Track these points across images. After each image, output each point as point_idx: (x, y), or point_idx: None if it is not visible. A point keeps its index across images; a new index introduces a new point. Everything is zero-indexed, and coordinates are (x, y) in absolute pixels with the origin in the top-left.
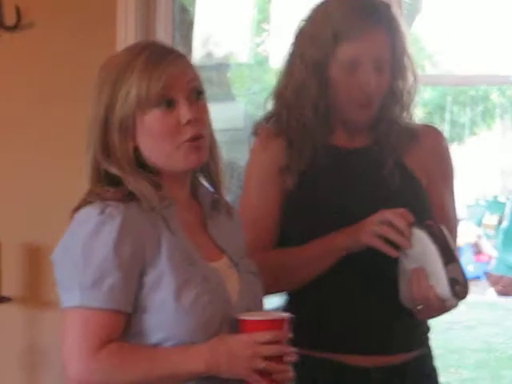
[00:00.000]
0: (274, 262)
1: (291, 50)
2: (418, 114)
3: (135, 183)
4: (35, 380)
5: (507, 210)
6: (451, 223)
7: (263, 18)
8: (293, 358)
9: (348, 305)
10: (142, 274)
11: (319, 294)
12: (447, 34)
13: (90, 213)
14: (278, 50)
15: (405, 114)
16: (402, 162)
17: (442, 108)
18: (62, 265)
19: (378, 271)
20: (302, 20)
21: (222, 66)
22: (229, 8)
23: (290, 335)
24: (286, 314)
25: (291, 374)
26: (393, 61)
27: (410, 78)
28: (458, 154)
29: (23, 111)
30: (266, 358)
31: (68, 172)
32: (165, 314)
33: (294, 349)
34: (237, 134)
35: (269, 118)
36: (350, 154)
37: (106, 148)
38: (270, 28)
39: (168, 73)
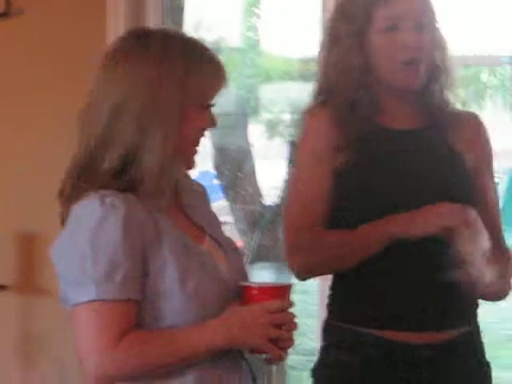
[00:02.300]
0: (323, 246)
1: (328, 30)
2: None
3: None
4: (31, 367)
5: (499, 190)
6: (495, 209)
7: (254, 1)
8: (296, 326)
9: (403, 282)
10: (146, 262)
11: (373, 272)
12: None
13: (91, 205)
14: (269, 33)
15: (448, 91)
16: (451, 145)
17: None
18: (67, 260)
19: (433, 249)
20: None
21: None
22: None
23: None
24: (288, 282)
25: (293, 341)
26: (431, 25)
27: (447, 47)
28: None
29: (14, 98)
30: (276, 326)
31: (61, 159)
32: (171, 301)
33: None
34: (228, 118)
35: (317, 97)
36: (399, 136)
37: (108, 135)
38: (261, 12)
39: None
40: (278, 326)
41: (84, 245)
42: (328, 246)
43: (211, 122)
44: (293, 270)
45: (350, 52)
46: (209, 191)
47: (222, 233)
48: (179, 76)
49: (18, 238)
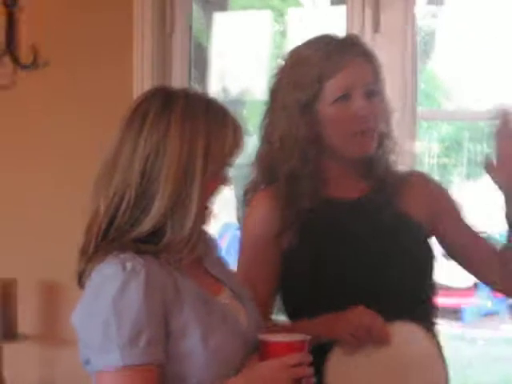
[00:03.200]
0: None
1: (270, 104)
2: (434, 150)
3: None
4: None
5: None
6: (481, 240)
7: (279, 53)
8: (314, 379)
9: None
10: (167, 323)
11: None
12: (463, 69)
13: (112, 270)
14: None
15: (393, 156)
16: (400, 209)
17: (459, 144)
18: (90, 327)
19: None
20: (276, 73)
21: (237, 103)
22: (244, 43)
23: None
24: (306, 336)
25: None
26: (380, 93)
27: (391, 113)
28: (475, 191)
29: (42, 148)
30: (296, 381)
31: (85, 210)
32: (194, 360)
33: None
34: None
35: (255, 182)
36: (344, 205)
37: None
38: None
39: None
40: (298, 381)
41: (107, 311)
42: None
43: (226, 182)
44: None
45: (297, 124)
46: (231, 242)
47: (237, 283)
48: (201, 142)
49: (40, 287)
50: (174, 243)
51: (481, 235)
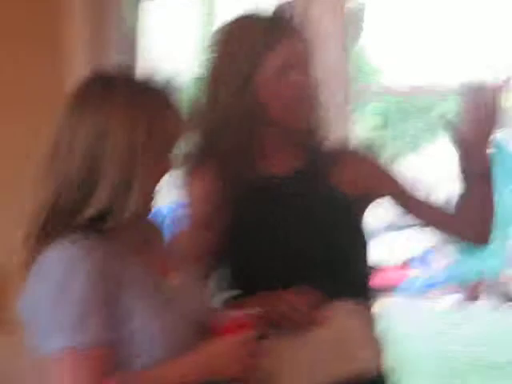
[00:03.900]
0: None
1: (208, 78)
2: (366, 127)
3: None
4: None
5: None
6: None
7: (207, 34)
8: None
9: None
10: (116, 305)
11: None
12: (391, 46)
13: (58, 254)
14: None
15: (323, 131)
16: (332, 185)
17: (386, 121)
18: (36, 310)
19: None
20: (211, 47)
21: (170, 86)
22: (173, 26)
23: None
24: (257, 309)
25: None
26: (313, 67)
27: (319, 89)
28: (409, 165)
29: None
30: (251, 355)
31: (23, 199)
32: (143, 342)
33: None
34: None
35: (197, 154)
36: (279, 182)
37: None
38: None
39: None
40: (253, 355)
41: (53, 294)
42: None
43: (170, 165)
44: None
45: (236, 97)
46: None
47: (184, 262)
48: (143, 126)
49: None
50: (120, 226)
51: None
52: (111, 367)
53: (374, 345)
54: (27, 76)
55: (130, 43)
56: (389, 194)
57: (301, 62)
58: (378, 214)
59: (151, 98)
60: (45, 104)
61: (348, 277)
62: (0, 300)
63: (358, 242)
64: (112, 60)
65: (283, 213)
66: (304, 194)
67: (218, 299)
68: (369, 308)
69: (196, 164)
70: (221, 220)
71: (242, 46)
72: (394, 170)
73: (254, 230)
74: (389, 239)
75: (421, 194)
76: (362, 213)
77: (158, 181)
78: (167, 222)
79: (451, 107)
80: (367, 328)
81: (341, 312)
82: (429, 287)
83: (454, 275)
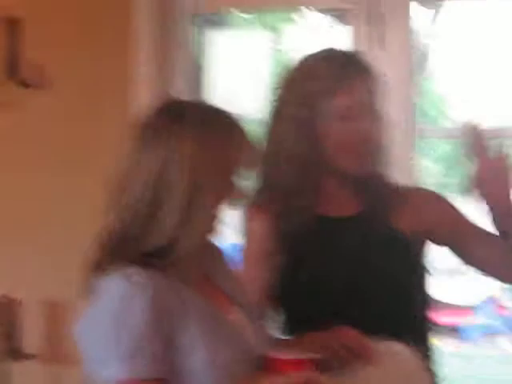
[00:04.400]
0: None
1: (272, 115)
2: (432, 168)
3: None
4: None
5: None
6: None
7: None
8: None
9: None
10: (173, 340)
11: None
12: (463, 86)
13: (117, 283)
14: None
15: (388, 172)
16: (392, 226)
17: (456, 162)
18: (92, 339)
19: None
20: (281, 83)
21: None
22: (243, 62)
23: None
24: (315, 354)
25: None
26: (380, 111)
27: (386, 129)
28: (475, 209)
29: (48, 168)
30: None
31: (88, 231)
32: (201, 377)
33: None
34: None
35: (257, 193)
36: (337, 224)
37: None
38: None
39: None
40: None
41: (110, 324)
42: None
43: (236, 194)
44: None
45: (298, 137)
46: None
47: (246, 299)
48: (211, 155)
49: (45, 306)
50: (183, 257)
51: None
52: None
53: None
54: (96, 107)
55: (197, 74)
56: (450, 232)
57: (364, 107)
58: (445, 255)
59: (221, 126)
60: (112, 136)
61: (406, 317)
62: (57, 333)
63: (416, 282)
64: (179, 90)
65: (341, 254)
66: (363, 236)
67: (272, 340)
68: (425, 349)
69: (256, 202)
70: (276, 260)
71: (307, 89)
72: (458, 208)
73: (312, 271)
74: (454, 281)
75: (482, 231)
76: (423, 252)
77: (220, 208)
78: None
79: None
80: (421, 368)
81: (395, 351)
82: (489, 332)
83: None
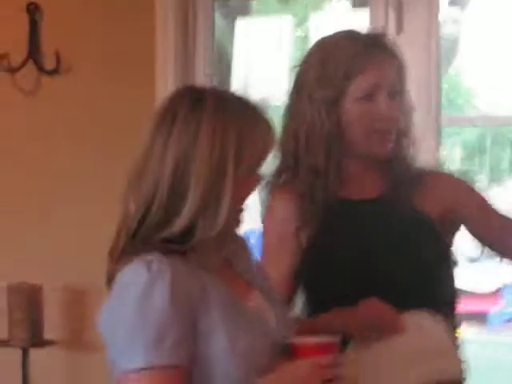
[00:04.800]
0: None
1: (295, 96)
2: (456, 155)
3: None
4: None
5: None
6: (496, 212)
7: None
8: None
9: None
10: (194, 326)
11: None
12: (487, 73)
13: (138, 271)
14: None
15: (412, 155)
16: (415, 207)
17: (481, 150)
18: (115, 328)
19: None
20: (303, 63)
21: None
22: (266, 49)
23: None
24: (335, 337)
25: None
26: (403, 93)
27: (411, 112)
28: (498, 197)
29: (61, 155)
30: (327, 381)
31: (108, 216)
32: (222, 362)
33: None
34: None
35: (279, 173)
36: (361, 206)
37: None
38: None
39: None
40: (328, 381)
41: (132, 312)
42: None
43: (258, 181)
44: None
45: (322, 119)
46: (254, 247)
47: (268, 284)
48: (232, 142)
49: (67, 292)
50: (204, 243)
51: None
52: None
53: (456, 356)
54: (121, 94)
55: (222, 61)
56: (472, 214)
57: (390, 88)
58: (463, 244)
59: (242, 111)
60: (138, 123)
61: (433, 298)
62: (78, 319)
63: (443, 263)
64: (204, 78)
65: (365, 237)
66: (387, 218)
67: (294, 325)
68: (452, 324)
69: (279, 183)
70: (300, 241)
71: (332, 69)
72: (481, 192)
73: (336, 253)
74: (482, 266)
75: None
76: (450, 235)
77: (246, 196)
78: (255, 244)
79: None
80: (449, 339)
81: (423, 321)
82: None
83: None
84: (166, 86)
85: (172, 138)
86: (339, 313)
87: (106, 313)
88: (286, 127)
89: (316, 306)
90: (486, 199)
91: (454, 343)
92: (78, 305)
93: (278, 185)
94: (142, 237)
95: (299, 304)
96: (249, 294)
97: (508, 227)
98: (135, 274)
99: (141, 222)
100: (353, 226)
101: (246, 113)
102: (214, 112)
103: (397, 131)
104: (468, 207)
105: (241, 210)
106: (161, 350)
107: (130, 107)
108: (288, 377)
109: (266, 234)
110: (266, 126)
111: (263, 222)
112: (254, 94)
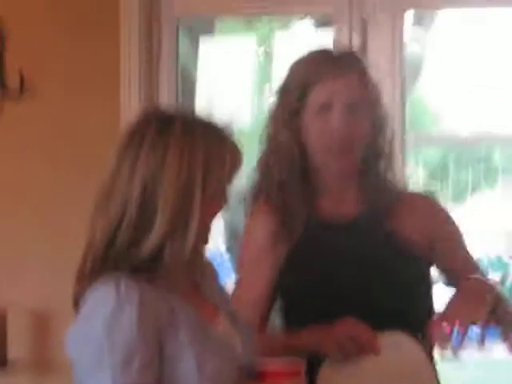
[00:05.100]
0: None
1: (267, 114)
2: (419, 175)
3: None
4: None
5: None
6: (478, 273)
7: (265, 80)
8: None
9: None
10: (162, 348)
11: None
12: (450, 94)
13: (106, 293)
14: None
15: (390, 175)
16: (393, 231)
17: (444, 168)
18: (83, 348)
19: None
20: (274, 92)
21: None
22: (231, 67)
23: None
24: (301, 360)
25: None
26: (368, 110)
27: (388, 132)
28: (460, 214)
29: (27, 176)
30: None
31: (72, 237)
32: (191, 380)
33: None
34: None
35: (257, 189)
36: (337, 229)
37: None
38: (271, 90)
39: None
40: None
41: (99, 333)
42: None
43: (224, 203)
44: None
45: (283, 132)
46: (219, 268)
47: (232, 308)
48: (199, 165)
49: (32, 315)
50: (172, 266)
51: (476, 269)
52: None
53: (433, 377)
54: (85, 114)
55: (186, 80)
56: (443, 247)
57: (346, 99)
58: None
59: (209, 135)
60: (103, 141)
61: (411, 317)
62: (43, 342)
63: (421, 283)
64: (168, 98)
65: (341, 258)
66: (363, 241)
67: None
68: (429, 344)
69: (258, 199)
70: (278, 257)
71: (292, 80)
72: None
73: (311, 272)
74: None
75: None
76: (428, 255)
77: (213, 218)
78: (219, 266)
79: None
80: (426, 360)
81: (399, 341)
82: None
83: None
84: (130, 105)
85: (140, 161)
86: (314, 331)
87: (74, 334)
88: (262, 142)
89: (292, 321)
90: (460, 234)
91: (431, 364)
92: (44, 327)
93: (258, 200)
94: (109, 260)
95: (276, 316)
96: (216, 318)
97: (469, 269)
98: (104, 297)
99: (108, 246)
100: (328, 247)
101: (213, 136)
102: (181, 136)
103: (365, 147)
104: (442, 241)
105: (208, 231)
106: (128, 371)
107: (94, 126)
108: None
109: (244, 248)
110: (233, 148)
111: (242, 236)
112: (219, 114)
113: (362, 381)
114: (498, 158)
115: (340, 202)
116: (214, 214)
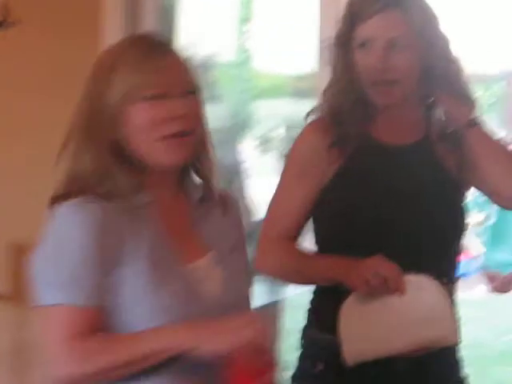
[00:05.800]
0: (288, 261)
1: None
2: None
3: (113, 180)
4: (23, 379)
5: (494, 207)
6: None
7: (247, 15)
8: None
9: None
10: (117, 269)
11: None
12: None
13: (65, 210)
14: (263, 49)
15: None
16: (438, 160)
17: None
18: (38, 263)
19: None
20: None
21: (206, 66)
22: (213, 7)
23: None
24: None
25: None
26: (411, 43)
27: (443, 58)
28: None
29: (7, 107)
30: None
31: (51, 169)
32: (140, 309)
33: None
34: (219, 134)
35: (312, 111)
36: (388, 151)
37: (88, 141)
38: (255, 27)
39: (159, 66)
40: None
41: (53, 251)
42: (285, 266)
43: (164, 113)
44: (258, 271)
45: (339, 62)
46: None
47: (232, 250)
48: (107, 77)
49: (10, 248)
50: (130, 184)
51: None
52: (98, 328)
53: (453, 322)
54: (65, 46)
55: (167, 18)
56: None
57: (387, 35)
58: None
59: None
60: (82, 78)
61: (443, 261)
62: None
63: (457, 228)
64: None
65: (386, 188)
66: (414, 170)
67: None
68: (453, 288)
69: (313, 119)
70: (321, 175)
71: (344, 15)
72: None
73: (351, 201)
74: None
75: None
76: (467, 191)
77: (147, 134)
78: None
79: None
80: (447, 305)
81: (424, 285)
82: (463, 276)
83: (487, 265)
84: (113, 38)
85: (97, 85)
86: (344, 262)
87: (35, 253)
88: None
89: (323, 247)
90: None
91: (452, 309)
92: (22, 260)
93: (310, 120)
94: (72, 188)
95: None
96: (199, 254)
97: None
98: (62, 216)
99: (72, 176)
100: (377, 173)
101: (135, 49)
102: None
103: (401, 85)
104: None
105: (163, 138)
106: (75, 290)
107: (75, 62)
108: (205, 325)
109: (289, 161)
110: (144, 56)
111: (291, 150)
112: (201, 49)
113: (383, 318)
114: (481, 96)
115: (391, 129)
116: (150, 127)
